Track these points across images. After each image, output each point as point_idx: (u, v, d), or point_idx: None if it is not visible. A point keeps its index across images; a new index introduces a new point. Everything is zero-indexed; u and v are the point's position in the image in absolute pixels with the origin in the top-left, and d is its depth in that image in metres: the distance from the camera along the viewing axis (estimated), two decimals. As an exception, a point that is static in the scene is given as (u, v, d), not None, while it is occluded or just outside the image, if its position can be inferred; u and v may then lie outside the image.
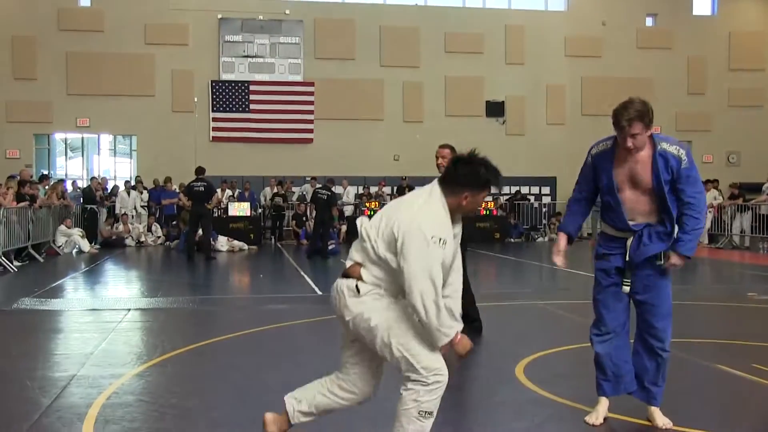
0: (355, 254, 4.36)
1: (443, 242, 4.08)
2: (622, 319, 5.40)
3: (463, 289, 4.87)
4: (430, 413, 4.37)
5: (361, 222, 4.37)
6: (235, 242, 22.33)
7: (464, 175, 4.23)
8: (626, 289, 5.29)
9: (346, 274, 4.34)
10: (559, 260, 5.43)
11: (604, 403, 5.40)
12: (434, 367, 4.24)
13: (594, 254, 5.46)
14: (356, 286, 4.28)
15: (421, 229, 4.06)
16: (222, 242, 21.91)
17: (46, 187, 21.32)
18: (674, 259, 5.13)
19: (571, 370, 6.87)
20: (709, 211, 23.96)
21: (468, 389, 6.14)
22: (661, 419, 5.26)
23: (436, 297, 4.04)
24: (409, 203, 4.29)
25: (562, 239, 5.50)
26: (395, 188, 27.16)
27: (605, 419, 5.35)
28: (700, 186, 5.10)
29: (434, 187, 4.32)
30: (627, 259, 5.24)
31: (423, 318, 4.10)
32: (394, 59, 28.84)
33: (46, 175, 23.48)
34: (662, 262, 5.16)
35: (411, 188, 26.78)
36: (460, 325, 4.23)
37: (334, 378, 4.66)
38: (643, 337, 5.33)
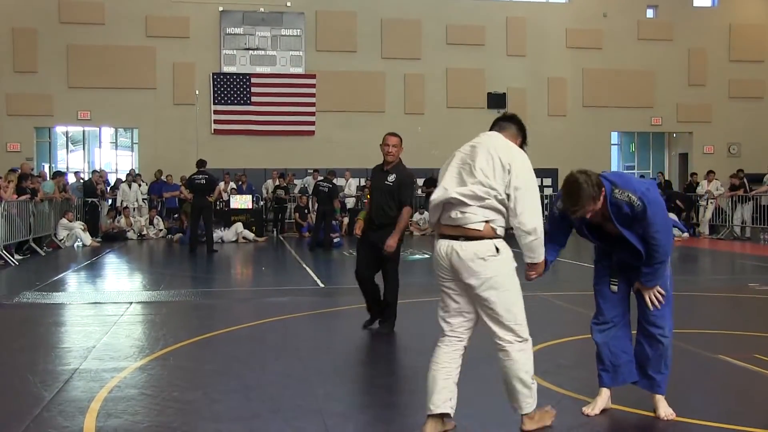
0: (473, 216, 4.67)
1: None
2: (620, 310, 5.43)
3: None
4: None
5: (446, 192, 4.73)
6: (247, 233, 22.65)
7: (521, 124, 5.06)
8: (614, 288, 5.41)
9: (472, 236, 4.67)
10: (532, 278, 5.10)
11: (603, 393, 5.41)
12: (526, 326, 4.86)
13: (594, 248, 5.50)
14: (495, 246, 4.68)
15: (526, 159, 4.71)
16: (231, 233, 22.34)
17: (60, 183, 21.49)
18: (646, 293, 5.29)
19: (573, 361, 6.87)
20: (711, 202, 23.98)
21: (470, 380, 6.13)
22: (664, 410, 5.26)
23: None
24: (488, 145, 4.81)
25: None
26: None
27: (606, 410, 5.35)
28: (658, 224, 5.01)
29: (496, 133, 4.99)
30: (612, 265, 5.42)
31: (536, 239, 4.70)
32: (395, 51, 28.79)
33: (60, 172, 23.51)
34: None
35: (425, 181, 26.92)
36: None
37: (458, 357, 4.95)
38: (642, 324, 5.36)
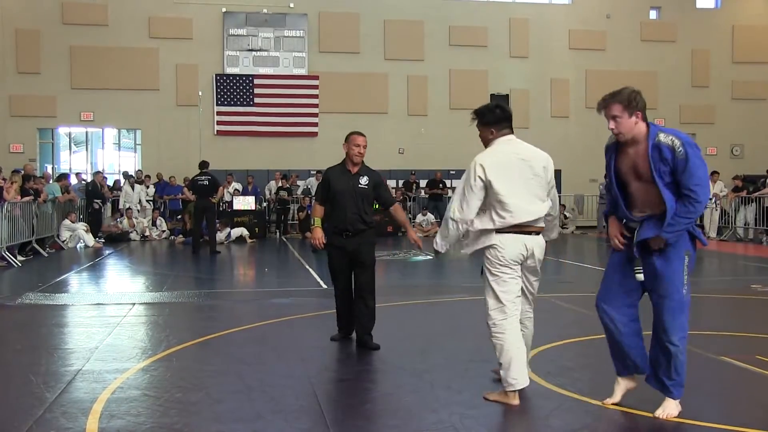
0: (540, 211, 5.74)
1: None
2: (625, 310, 5.44)
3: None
4: None
5: (539, 210, 5.77)
6: (245, 231, 23.02)
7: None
8: (640, 277, 5.31)
9: (538, 231, 5.82)
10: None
11: (620, 383, 5.50)
12: None
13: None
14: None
15: None
16: (236, 232, 22.75)
17: (67, 186, 21.57)
18: (653, 242, 5.15)
19: (576, 362, 6.87)
20: (717, 204, 23.92)
21: (474, 382, 6.13)
22: (663, 409, 5.25)
23: None
24: (523, 147, 5.90)
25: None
26: (401, 182, 27.16)
27: (608, 410, 5.34)
28: (699, 177, 4.99)
29: (515, 137, 5.94)
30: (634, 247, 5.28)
31: (558, 222, 6.18)
32: (398, 53, 28.81)
33: (64, 174, 23.54)
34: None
35: (418, 184, 26.95)
36: None
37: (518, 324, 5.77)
38: (654, 327, 5.32)
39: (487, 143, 5.89)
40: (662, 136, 5.02)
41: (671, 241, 5.09)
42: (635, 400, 5.51)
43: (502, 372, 5.60)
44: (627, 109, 5.04)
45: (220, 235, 22.02)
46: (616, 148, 5.30)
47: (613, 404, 5.47)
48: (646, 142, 5.06)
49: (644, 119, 5.13)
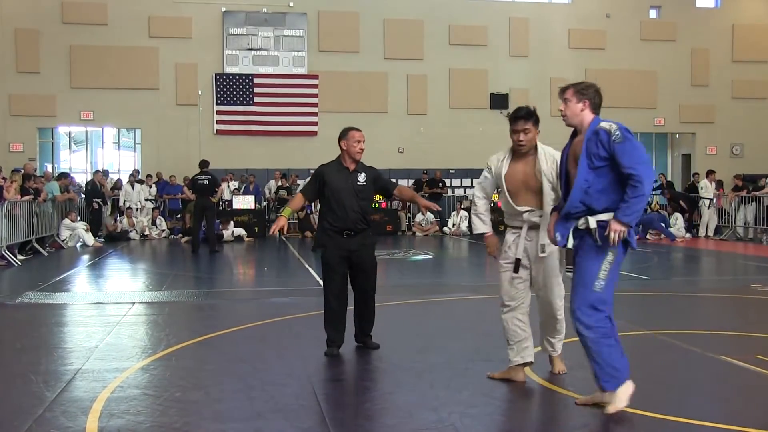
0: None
1: None
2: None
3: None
4: None
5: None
6: (243, 231, 23.15)
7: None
8: (568, 274, 5.60)
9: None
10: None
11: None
12: None
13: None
14: None
15: None
16: (236, 231, 22.93)
17: (67, 185, 21.55)
18: (613, 225, 5.17)
19: (576, 362, 6.86)
20: (713, 203, 23.93)
21: (473, 381, 6.14)
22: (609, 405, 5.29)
23: None
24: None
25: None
26: (412, 182, 27.06)
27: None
28: (639, 156, 5.14)
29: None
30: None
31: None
32: (398, 52, 28.79)
33: (64, 173, 23.53)
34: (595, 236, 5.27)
35: (427, 182, 26.95)
36: None
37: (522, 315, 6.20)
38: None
39: (534, 141, 6.32)
40: (602, 123, 5.29)
41: (632, 223, 5.18)
42: (635, 400, 5.51)
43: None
44: (576, 95, 5.47)
45: (227, 233, 22.24)
46: (570, 142, 5.58)
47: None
48: (588, 130, 5.34)
49: (594, 113, 5.45)
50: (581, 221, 5.32)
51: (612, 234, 5.14)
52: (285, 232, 7.23)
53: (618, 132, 5.17)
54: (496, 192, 6.39)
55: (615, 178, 5.20)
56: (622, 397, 5.25)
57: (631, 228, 5.19)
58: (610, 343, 5.27)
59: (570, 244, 5.39)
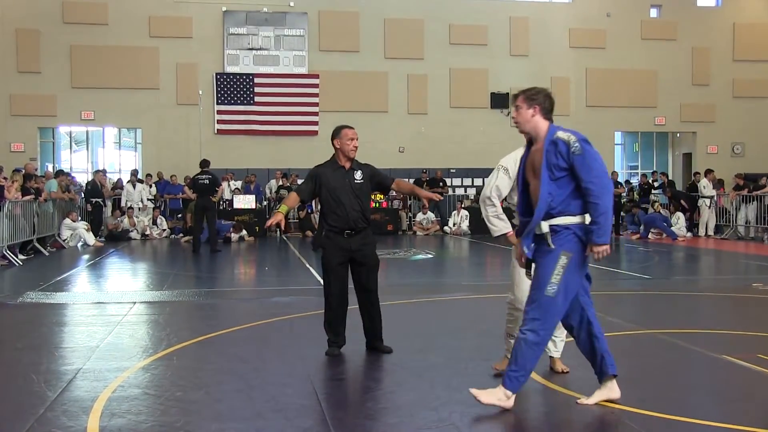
0: None
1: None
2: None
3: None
4: None
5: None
6: (244, 231, 23.19)
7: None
8: (527, 277, 5.56)
9: None
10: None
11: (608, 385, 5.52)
12: None
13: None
14: None
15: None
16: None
17: (64, 183, 21.51)
18: (594, 249, 5.22)
19: (577, 361, 6.86)
20: (713, 202, 23.92)
21: (474, 380, 6.13)
22: (485, 394, 5.36)
23: None
24: None
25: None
26: (412, 181, 27.06)
27: (605, 408, 5.34)
28: (597, 170, 5.16)
29: None
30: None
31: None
32: (398, 51, 28.79)
33: (60, 171, 23.52)
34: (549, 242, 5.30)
35: (427, 181, 26.94)
36: None
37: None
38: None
39: None
40: (560, 133, 5.26)
41: (607, 241, 5.21)
42: (636, 400, 5.51)
43: None
44: (527, 101, 5.44)
45: (234, 236, 22.37)
46: (527, 151, 5.54)
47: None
48: (546, 139, 5.29)
49: (546, 118, 5.42)
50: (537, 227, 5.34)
51: (596, 256, 5.22)
52: (283, 227, 7.14)
53: (577, 144, 5.17)
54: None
55: (576, 185, 5.23)
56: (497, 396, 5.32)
57: (607, 245, 5.22)
58: (538, 353, 5.30)
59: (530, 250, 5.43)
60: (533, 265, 5.43)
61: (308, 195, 7.45)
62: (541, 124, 5.39)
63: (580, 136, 5.23)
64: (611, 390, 5.47)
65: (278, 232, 25.12)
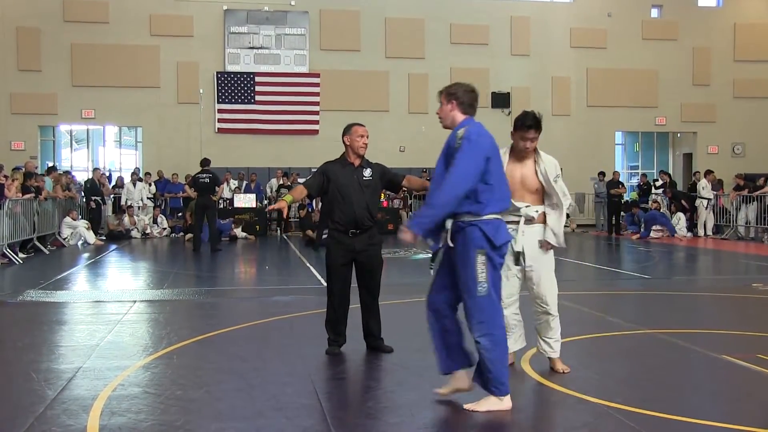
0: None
1: None
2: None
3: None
4: None
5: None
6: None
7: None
8: (431, 272, 5.64)
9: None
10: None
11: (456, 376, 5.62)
12: None
13: None
14: None
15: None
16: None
17: (61, 181, 21.43)
18: (402, 228, 5.31)
19: (576, 360, 6.86)
20: (710, 202, 23.91)
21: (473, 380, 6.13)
22: (476, 404, 5.38)
23: None
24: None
25: None
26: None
27: (603, 408, 5.34)
28: (460, 168, 5.14)
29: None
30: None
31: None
32: (399, 51, 28.81)
33: (52, 167, 23.49)
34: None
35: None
36: None
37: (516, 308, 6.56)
38: None
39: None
40: (462, 128, 5.30)
41: (417, 232, 5.22)
42: (636, 400, 5.52)
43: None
44: (446, 96, 5.49)
45: (240, 234, 22.74)
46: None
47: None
48: (452, 132, 5.40)
49: (464, 112, 5.45)
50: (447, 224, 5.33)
51: (399, 234, 5.33)
52: (285, 215, 7.12)
53: (461, 140, 5.19)
54: None
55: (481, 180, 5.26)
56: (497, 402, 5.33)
57: (412, 232, 5.22)
58: (503, 350, 5.34)
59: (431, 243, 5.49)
60: (437, 258, 5.51)
61: (316, 189, 7.35)
62: (458, 118, 5.45)
63: (474, 135, 5.22)
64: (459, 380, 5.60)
65: (278, 231, 25.11)
